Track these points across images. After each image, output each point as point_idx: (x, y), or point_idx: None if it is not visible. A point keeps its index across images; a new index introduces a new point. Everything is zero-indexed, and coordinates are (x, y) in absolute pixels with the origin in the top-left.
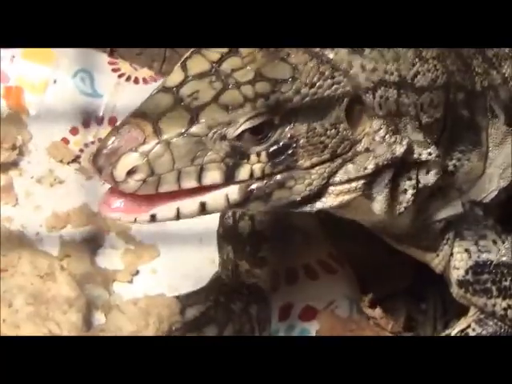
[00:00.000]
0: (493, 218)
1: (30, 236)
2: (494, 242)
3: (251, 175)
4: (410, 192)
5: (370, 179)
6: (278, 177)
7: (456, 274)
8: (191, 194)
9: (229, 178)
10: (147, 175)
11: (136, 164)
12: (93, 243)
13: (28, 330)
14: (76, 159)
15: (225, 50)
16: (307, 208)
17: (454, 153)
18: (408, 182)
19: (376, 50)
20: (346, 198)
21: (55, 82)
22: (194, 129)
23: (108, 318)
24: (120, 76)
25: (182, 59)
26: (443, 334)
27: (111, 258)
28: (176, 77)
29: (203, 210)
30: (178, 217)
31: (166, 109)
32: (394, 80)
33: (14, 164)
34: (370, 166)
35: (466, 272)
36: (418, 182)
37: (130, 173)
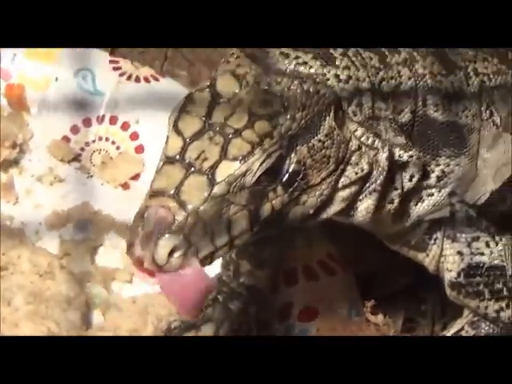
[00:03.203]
0: (486, 220)
1: (30, 234)
2: (487, 245)
3: (273, 210)
4: (397, 201)
5: (362, 184)
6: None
7: (448, 275)
8: None
9: (255, 221)
10: (186, 249)
11: (175, 243)
12: (93, 242)
13: (27, 328)
14: (77, 158)
15: (207, 95)
16: (317, 219)
17: (440, 158)
18: (395, 192)
19: (346, 58)
20: (346, 202)
21: (57, 79)
22: (216, 190)
23: (107, 316)
24: (121, 74)
25: (172, 123)
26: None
27: (111, 257)
28: (175, 144)
29: (232, 247)
30: (212, 262)
31: (181, 179)
32: (366, 86)
33: (15, 162)
34: (365, 166)
35: (459, 274)
36: (402, 188)
37: (171, 253)
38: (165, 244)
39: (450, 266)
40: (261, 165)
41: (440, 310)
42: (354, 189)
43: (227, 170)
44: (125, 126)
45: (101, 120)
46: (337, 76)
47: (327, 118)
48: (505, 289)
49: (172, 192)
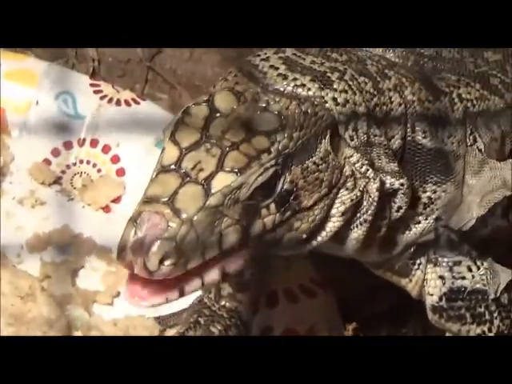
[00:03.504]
0: (468, 244)
1: (11, 256)
2: (469, 269)
3: (264, 228)
4: (385, 227)
5: (353, 213)
6: (287, 219)
7: (430, 299)
8: (212, 263)
9: (245, 238)
10: (178, 258)
11: (167, 250)
12: (73, 264)
13: None
14: (57, 180)
15: (205, 109)
16: (309, 246)
17: (426, 185)
18: (382, 219)
19: (343, 81)
20: (336, 229)
21: (37, 103)
22: (212, 200)
23: None
24: (102, 98)
25: (169, 134)
26: None
27: (92, 280)
28: (171, 153)
29: (225, 275)
30: (202, 287)
31: (176, 188)
32: (363, 111)
33: None
34: (358, 194)
35: (440, 298)
36: (390, 218)
37: (162, 260)
38: (157, 250)
39: (431, 290)
40: (256, 179)
41: (421, 334)
42: (345, 218)
43: (223, 181)
44: (106, 149)
45: (82, 143)
46: (335, 99)
47: (323, 141)
48: (486, 313)
49: (166, 199)
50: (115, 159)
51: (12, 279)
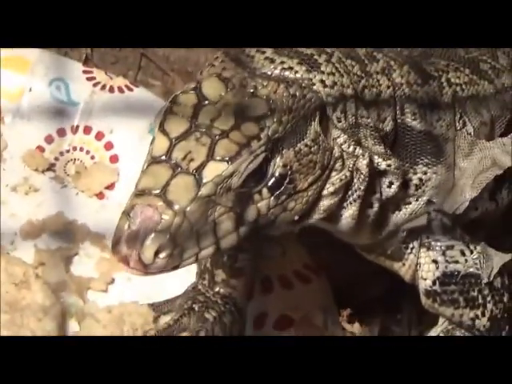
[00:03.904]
0: (461, 228)
1: (5, 244)
2: (462, 253)
3: (259, 214)
4: (377, 205)
5: (345, 192)
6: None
7: (423, 284)
8: None
9: (240, 224)
10: (172, 249)
11: (161, 242)
12: (67, 251)
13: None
14: (51, 167)
15: (193, 97)
16: (301, 225)
17: (417, 166)
18: (374, 196)
19: (330, 64)
20: (328, 212)
21: (31, 90)
22: (203, 190)
23: (82, 325)
24: (95, 85)
25: (158, 124)
26: None
27: (86, 267)
28: (161, 144)
29: (218, 250)
30: (196, 261)
31: (168, 179)
32: (350, 93)
33: None
34: (347, 174)
35: (434, 282)
36: (381, 194)
37: (157, 252)
38: (151, 243)
39: (425, 275)
40: (247, 166)
41: (416, 319)
42: (336, 198)
43: (214, 170)
44: (99, 136)
45: (75, 130)
46: (322, 81)
47: (313, 123)
48: (480, 297)
49: (159, 191)
50: (109, 146)
51: (6, 266)
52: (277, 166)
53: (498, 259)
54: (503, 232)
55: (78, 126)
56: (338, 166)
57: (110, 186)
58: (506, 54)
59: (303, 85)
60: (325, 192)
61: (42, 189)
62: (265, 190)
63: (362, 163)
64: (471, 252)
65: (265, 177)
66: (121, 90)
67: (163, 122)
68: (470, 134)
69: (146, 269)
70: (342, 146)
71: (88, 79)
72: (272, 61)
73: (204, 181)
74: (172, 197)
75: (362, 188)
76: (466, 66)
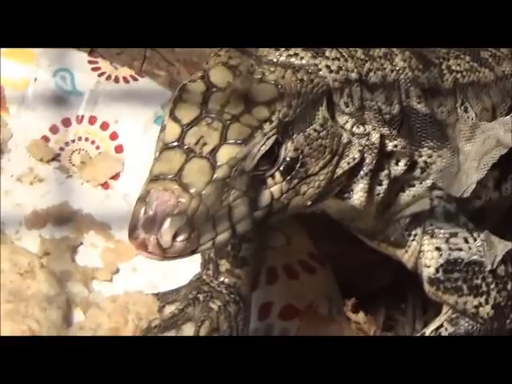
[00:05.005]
0: (464, 216)
1: (10, 233)
2: (466, 240)
3: (272, 198)
4: (386, 182)
5: (352, 171)
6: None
7: (427, 271)
8: None
9: (254, 208)
10: (190, 233)
11: (179, 226)
12: (72, 241)
13: (7, 327)
14: (56, 157)
15: (201, 85)
16: (313, 207)
17: (422, 149)
18: (382, 173)
19: (335, 49)
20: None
21: (36, 80)
22: (218, 173)
23: (87, 315)
24: (100, 75)
25: (169, 112)
26: (419, 334)
27: (91, 256)
28: (173, 131)
29: (234, 235)
30: (213, 246)
31: (181, 163)
32: (355, 77)
33: None
34: (356, 155)
35: (437, 270)
36: (389, 172)
37: (175, 236)
38: (169, 227)
39: (428, 262)
40: (260, 148)
41: (421, 308)
42: (344, 178)
43: (228, 153)
44: (104, 126)
45: (80, 120)
46: (328, 67)
47: (321, 108)
48: (483, 284)
49: (173, 176)
50: (114, 136)
51: (11, 256)
52: (288, 150)
53: (502, 247)
54: (506, 223)
55: (82, 116)
56: (346, 151)
57: (115, 176)
58: None
59: (310, 70)
60: (335, 176)
61: (47, 179)
62: (277, 174)
63: (375, 137)
64: (475, 239)
65: (277, 160)
66: (126, 80)
67: (173, 109)
68: (472, 119)
69: (164, 253)
70: (352, 129)
71: (93, 69)
72: (277, 48)
73: (218, 163)
74: (187, 180)
75: (374, 162)
76: (467, 53)
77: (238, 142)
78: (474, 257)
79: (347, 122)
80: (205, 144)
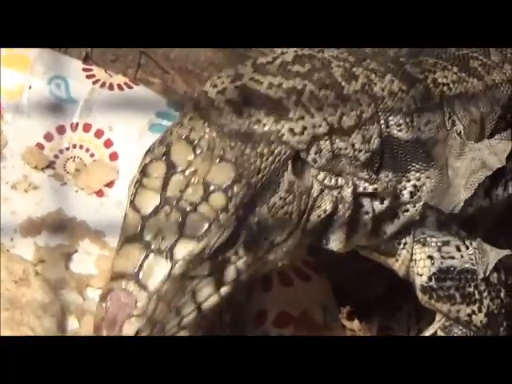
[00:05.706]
0: (456, 224)
1: (5, 241)
2: (458, 249)
3: (238, 272)
4: (370, 223)
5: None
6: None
7: (419, 280)
8: None
9: (220, 285)
10: (152, 329)
11: (139, 327)
12: (67, 248)
13: (3, 334)
14: (51, 165)
15: (162, 167)
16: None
17: (409, 173)
18: (366, 217)
19: (300, 106)
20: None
21: (30, 87)
22: (176, 269)
23: (81, 322)
24: (95, 82)
25: (130, 198)
26: None
27: (85, 264)
28: (133, 222)
29: (201, 312)
30: (180, 329)
31: (140, 261)
32: (323, 131)
33: None
34: (328, 207)
35: (430, 278)
36: (374, 211)
37: (137, 334)
38: (129, 328)
39: (420, 271)
40: (217, 240)
41: (415, 317)
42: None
43: (185, 248)
44: (98, 134)
45: (74, 127)
46: (291, 130)
47: (286, 173)
48: (476, 292)
49: (133, 273)
50: (108, 144)
51: (6, 264)
52: (251, 225)
53: (494, 255)
54: (497, 229)
55: (77, 124)
56: (317, 203)
57: (110, 184)
58: (498, 51)
59: (271, 138)
60: (306, 232)
61: (42, 186)
62: (241, 250)
63: (347, 191)
64: (467, 248)
65: (238, 239)
66: (120, 87)
67: (134, 195)
68: (460, 133)
69: None
70: (324, 182)
71: (88, 77)
72: (240, 114)
73: (175, 259)
74: (145, 280)
75: (347, 215)
76: (455, 63)
77: (196, 236)
78: (467, 265)
79: (318, 174)
80: (163, 238)
